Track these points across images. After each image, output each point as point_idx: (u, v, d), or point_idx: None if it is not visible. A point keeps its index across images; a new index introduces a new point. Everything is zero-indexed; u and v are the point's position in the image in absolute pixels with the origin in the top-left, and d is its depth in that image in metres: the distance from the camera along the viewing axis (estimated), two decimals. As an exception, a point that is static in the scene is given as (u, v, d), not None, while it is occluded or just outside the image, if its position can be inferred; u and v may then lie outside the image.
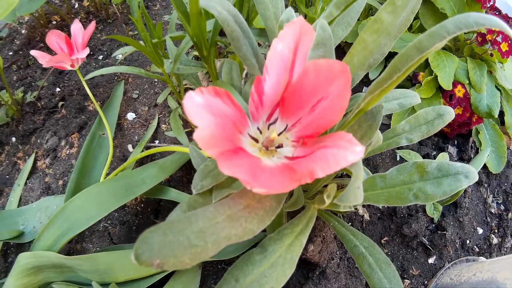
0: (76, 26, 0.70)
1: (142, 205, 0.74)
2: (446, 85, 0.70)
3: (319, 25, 0.37)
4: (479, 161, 0.67)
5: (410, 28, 0.83)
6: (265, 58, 0.36)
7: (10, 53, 0.95)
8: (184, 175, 0.79)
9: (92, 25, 0.70)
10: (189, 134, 0.84)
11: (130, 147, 0.81)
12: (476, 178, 0.39)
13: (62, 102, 0.85)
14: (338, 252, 0.69)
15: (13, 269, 0.47)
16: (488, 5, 0.73)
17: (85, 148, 0.72)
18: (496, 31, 0.66)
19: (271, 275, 0.37)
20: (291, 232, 0.42)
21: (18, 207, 0.69)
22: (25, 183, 0.73)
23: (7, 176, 0.77)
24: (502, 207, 0.79)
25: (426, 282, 0.69)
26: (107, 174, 0.72)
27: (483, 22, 0.23)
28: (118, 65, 0.92)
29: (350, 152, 0.29)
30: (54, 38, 0.68)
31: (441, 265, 0.70)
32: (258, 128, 0.38)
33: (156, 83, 0.90)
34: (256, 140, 0.38)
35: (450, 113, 0.51)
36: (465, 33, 0.80)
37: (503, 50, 0.69)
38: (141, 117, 0.85)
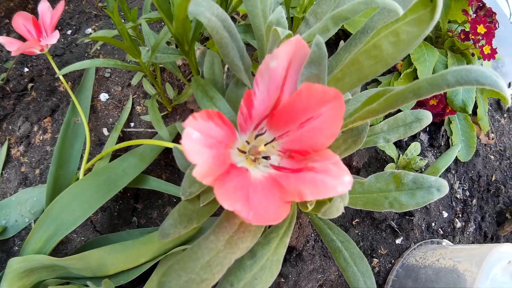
0: (43, 6, 0.65)
1: (122, 190, 0.74)
2: (425, 78, 0.71)
3: (314, 42, 0.36)
4: (450, 155, 0.71)
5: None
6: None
7: (-28, 31, 0.86)
8: (161, 158, 0.78)
9: (61, 5, 0.65)
10: (165, 117, 0.82)
11: (105, 130, 0.79)
12: (447, 191, 0.42)
13: (32, 84, 0.79)
14: (312, 235, 0.73)
15: (6, 274, 0.47)
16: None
17: (61, 137, 0.69)
18: (480, 33, 0.68)
19: (261, 277, 0.40)
20: (276, 236, 0.45)
21: (-3, 200, 0.67)
22: (1, 174, 0.70)
23: (-19, 167, 0.73)
24: (467, 193, 0.86)
25: (393, 261, 0.75)
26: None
27: (484, 81, 0.23)
28: (88, 41, 0.87)
29: (340, 183, 0.31)
30: (21, 21, 0.63)
31: (408, 245, 0.77)
32: (246, 141, 0.39)
33: (128, 61, 0.86)
34: (244, 152, 0.39)
35: (428, 118, 0.53)
36: (448, 22, 0.81)
37: (485, 53, 0.70)
38: (114, 98, 0.82)
